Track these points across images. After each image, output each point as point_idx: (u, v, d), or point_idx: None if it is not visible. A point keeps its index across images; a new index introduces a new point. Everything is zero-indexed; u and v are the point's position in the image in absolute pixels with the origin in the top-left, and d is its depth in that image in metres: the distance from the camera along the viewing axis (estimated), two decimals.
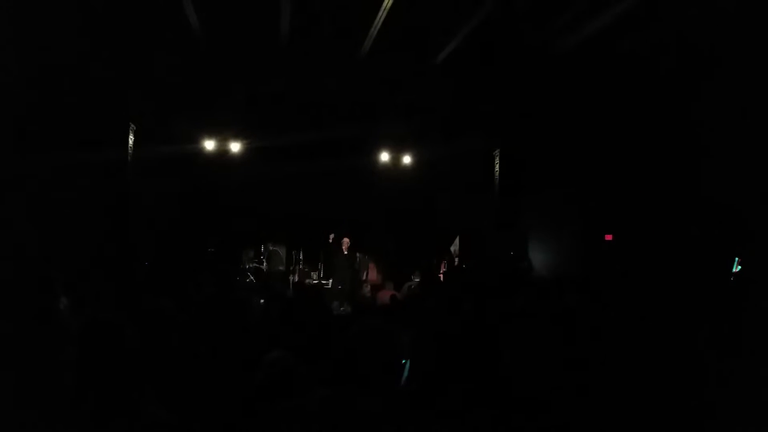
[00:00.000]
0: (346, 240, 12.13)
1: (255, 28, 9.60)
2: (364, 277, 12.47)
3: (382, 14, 8.54)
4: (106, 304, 3.92)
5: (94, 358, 2.07)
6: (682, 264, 8.22)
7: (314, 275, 12.60)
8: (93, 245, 8.54)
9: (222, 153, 11.78)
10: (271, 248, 12.49)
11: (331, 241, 12.10)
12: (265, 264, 12.32)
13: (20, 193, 7.85)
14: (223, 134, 11.66)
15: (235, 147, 11.74)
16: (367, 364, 2.01)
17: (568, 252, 10.92)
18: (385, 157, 12.43)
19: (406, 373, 3.26)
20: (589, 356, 3.55)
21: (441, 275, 12.26)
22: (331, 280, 12.16)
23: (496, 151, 12.07)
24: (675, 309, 4.90)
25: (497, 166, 12.04)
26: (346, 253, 12.12)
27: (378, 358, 2.03)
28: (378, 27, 9.03)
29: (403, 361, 3.27)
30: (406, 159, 12.53)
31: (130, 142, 10.27)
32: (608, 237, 10.45)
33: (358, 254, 12.42)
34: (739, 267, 7.85)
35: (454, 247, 12.77)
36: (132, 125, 10.29)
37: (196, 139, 11.53)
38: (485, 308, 5.30)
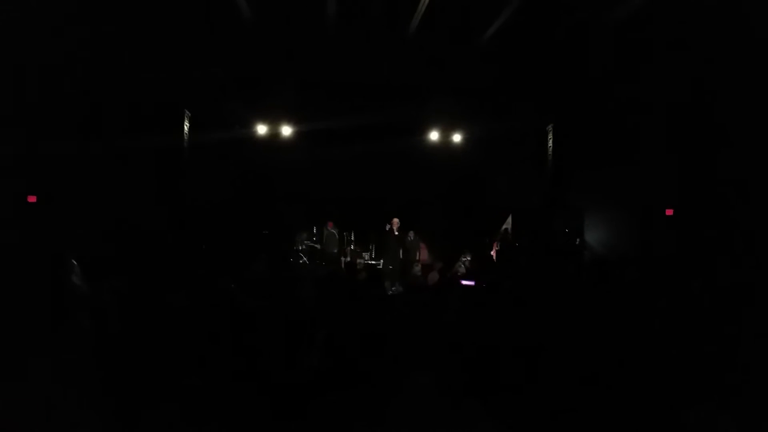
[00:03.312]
0: (395, 220, 12.17)
1: (303, 12, 9.65)
2: (417, 257, 12.48)
3: None
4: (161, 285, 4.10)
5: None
6: (746, 238, 7.87)
7: (366, 255, 12.70)
8: (150, 229, 8.89)
9: (274, 137, 11.97)
10: (328, 230, 12.62)
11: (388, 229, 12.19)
12: (320, 245, 12.49)
13: (77, 179, 8.27)
14: (275, 119, 11.82)
15: (286, 131, 11.90)
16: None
17: (627, 228, 10.61)
18: (435, 136, 12.34)
19: None
20: (647, 331, 3.45)
21: (493, 254, 12.15)
22: (381, 261, 12.24)
23: (549, 126, 11.78)
24: (736, 287, 4.70)
25: (550, 142, 11.76)
26: (396, 233, 12.17)
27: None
28: (425, 6, 8.92)
29: None
30: (457, 137, 12.40)
31: (186, 128, 10.57)
32: (669, 212, 10.09)
33: (410, 234, 12.42)
34: None
35: (507, 226, 12.61)
36: (187, 111, 10.57)
37: (249, 124, 11.76)
38: (540, 287, 5.23)
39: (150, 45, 9.12)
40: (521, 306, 3.68)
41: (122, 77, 8.94)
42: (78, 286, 2.98)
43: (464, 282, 6.64)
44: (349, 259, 12.32)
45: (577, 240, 11.51)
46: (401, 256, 12.14)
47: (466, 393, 2.12)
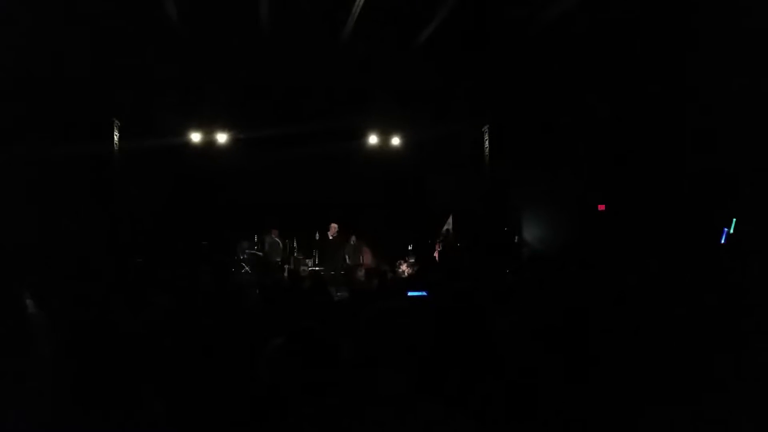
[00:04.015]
0: (333, 226, 12.13)
1: (236, 18, 9.47)
2: (360, 261, 12.45)
3: None
4: (97, 303, 3.89)
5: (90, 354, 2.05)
6: (674, 232, 8.27)
7: (309, 263, 12.57)
8: (82, 243, 8.48)
9: (209, 144, 11.69)
10: (271, 239, 12.40)
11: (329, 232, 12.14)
12: (263, 253, 12.26)
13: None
14: (209, 126, 11.55)
15: (221, 138, 11.64)
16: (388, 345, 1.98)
17: (562, 224, 10.96)
18: (373, 140, 12.37)
19: None
20: (593, 331, 3.53)
21: (436, 255, 12.26)
22: (323, 267, 12.15)
23: (485, 128, 12.02)
24: (668, 280, 4.90)
25: (487, 143, 12.00)
26: (333, 238, 12.13)
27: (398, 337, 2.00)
28: (358, 10, 8.93)
29: None
30: (395, 141, 12.47)
31: (116, 137, 10.18)
32: (601, 207, 10.49)
33: (352, 239, 12.39)
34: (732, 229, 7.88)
35: (448, 226, 12.77)
36: (116, 120, 10.19)
37: (183, 132, 11.43)
38: (482, 286, 5.31)
39: (79, 51, 8.74)
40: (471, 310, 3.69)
41: (49, 84, 8.51)
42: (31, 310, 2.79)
43: (411, 293, 6.55)
44: (292, 266, 12.16)
45: (515, 237, 11.80)
46: (348, 261, 12.11)
47: (423, 398, 2.11)
